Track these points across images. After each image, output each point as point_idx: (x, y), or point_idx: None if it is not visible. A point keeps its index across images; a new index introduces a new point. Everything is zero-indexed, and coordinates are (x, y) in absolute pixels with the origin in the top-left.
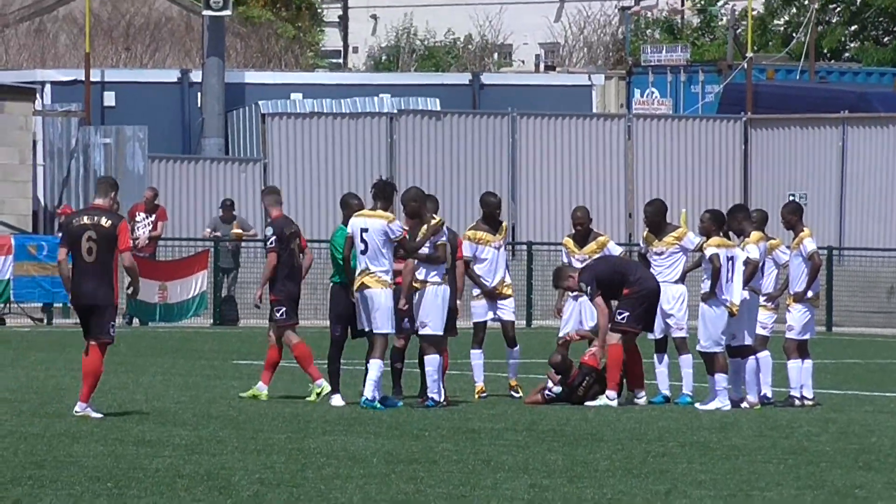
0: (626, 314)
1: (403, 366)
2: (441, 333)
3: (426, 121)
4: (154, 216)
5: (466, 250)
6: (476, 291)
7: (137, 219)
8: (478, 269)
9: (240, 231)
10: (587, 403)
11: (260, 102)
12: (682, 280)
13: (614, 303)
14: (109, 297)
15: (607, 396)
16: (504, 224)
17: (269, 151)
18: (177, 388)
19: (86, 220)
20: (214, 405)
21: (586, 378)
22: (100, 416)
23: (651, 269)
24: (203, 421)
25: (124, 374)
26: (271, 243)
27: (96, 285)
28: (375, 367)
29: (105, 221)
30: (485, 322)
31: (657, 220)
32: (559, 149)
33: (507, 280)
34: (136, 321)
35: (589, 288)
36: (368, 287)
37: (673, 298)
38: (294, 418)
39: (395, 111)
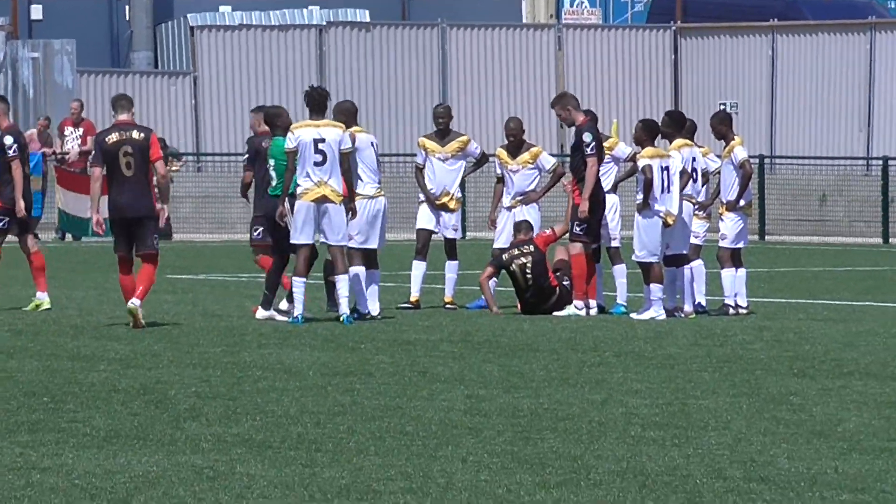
0: (585, 225)
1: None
2: (376, 247)
3: (355, 32)
4: (82, 129)
5: (418, 157)
6: (421, 198)
7: (66, 133)
8: (427, 178)
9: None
10: (555, 314)
11: (189, 15)
12: (614, 190)
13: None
14: (152, 209)
15: (575, 306)
16: (464, 137)
17: (199, 64)
18: (111, 303)
19: (118, 135)
20: (149, 319)
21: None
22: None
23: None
24: (138, 335)
25: (58, 290)
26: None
27: (139, 197)
28: (345, 282)
29: (137, 134)
30: (428, 231)
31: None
32: (489, 59)
33: (457, 194)
34: (68, 236)
35: (594, 144)
36: (331, 200)
37: (606, 209)
38: (230, 332)
39: (325, 23)
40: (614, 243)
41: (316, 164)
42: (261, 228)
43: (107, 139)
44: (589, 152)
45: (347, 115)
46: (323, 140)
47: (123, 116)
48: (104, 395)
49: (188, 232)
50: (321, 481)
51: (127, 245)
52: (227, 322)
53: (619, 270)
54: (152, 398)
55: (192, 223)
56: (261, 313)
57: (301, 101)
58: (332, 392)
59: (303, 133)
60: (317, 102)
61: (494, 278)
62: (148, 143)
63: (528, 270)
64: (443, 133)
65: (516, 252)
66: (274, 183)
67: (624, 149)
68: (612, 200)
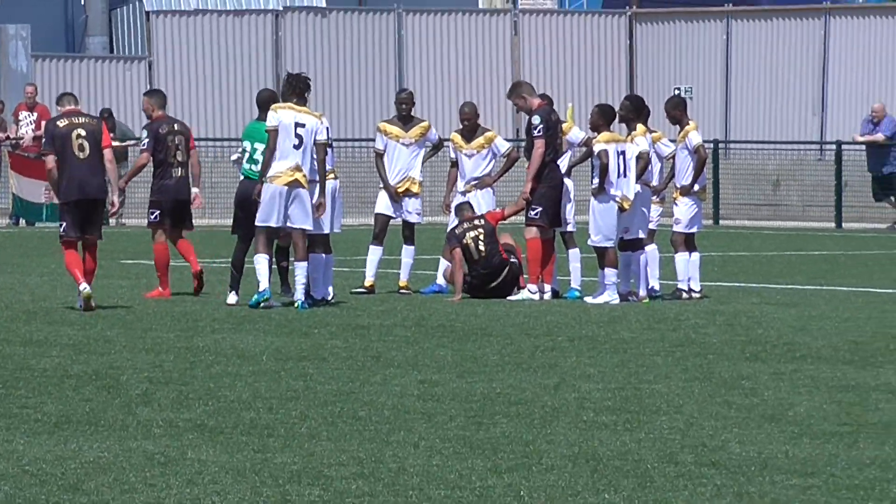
0: (540, 209)
1: (289, 264)
2: (327, 232)
3: (312, 17)
4: (36, 114)
5: (378, 142)
6: (382, 184)
7: (21, 118)
8: (387, 163)
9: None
10: (509, 298)
11: (144, 0)
12: (567, 174)
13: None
14: (106, 191)
15: (528, 290)
16: (425, 123)
17: (154, 49)
18: (64, 288)
19: (68, 121)
20: (102, 304)
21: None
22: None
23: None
24: (91, 320)
25: (10, 275)
26: (145, 144)
27: (95, 178)
28: (304, 268)
29: (88, 120)
30: (387, 216)
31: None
32: (446, 45)
33: (417, 178)
34: (22, 221)
35: (542, 126)
36: (302, 185)
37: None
38: (183, 317)
39: (281, 8)
40: (569, 227)
41: (294, 146)
42: (157, 212)
43: (58, 123)
44: (536, 134)
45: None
46: (303, 125)
47: (70, 106)
48: (56, 380)
49: (142, 217)
50: (273, 467)
51: (79, 229)
52: (180, 307)
53: (574, 255)
54: (104, 383)
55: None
56: (231, 298)
57: (259, 86)
58: (285, 377)
59: (284, 115)
60: (299, 89)
61: (448, 263)
62: (100, 128)
63: (480, 242)
64: (406, 118)
65: (468, 226)
66: (247, 166)
67: (578, 133)
68: (565, 185)
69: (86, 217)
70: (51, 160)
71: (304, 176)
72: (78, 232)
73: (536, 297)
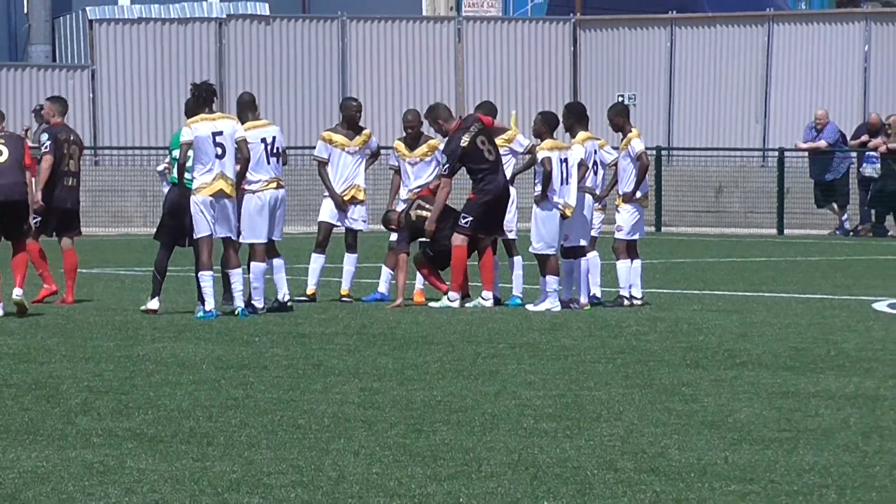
0: (470, 219)
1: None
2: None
3: (255, 25)
4: None
5: (321, 151)
6: (327, 192)
7: None
8: (331, 172)
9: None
10: (430, 304)
11: (87, 8)
12: (511, 182)
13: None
14: (27, 194)
15: (448, 298)
16: (367, 131)
17: (97, 58)
18: (5, 297)
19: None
20: (42, 314)
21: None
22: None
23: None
24: (31, 330)
25: None
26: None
27: (16, 182)
28: (239, 275)
29: (9, 135)
30: (330, 224)
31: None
32: (390, 52)
33: (362, 186)
34: None
35: (447, 165)
36: (227, 195)
37: (509, 202)
38: (124, 326)
39: (224, 16)
40: (511, 235)
41: (217, 156)
42: (39, 218)
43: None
44: (442, 172)
45: (246, 107)
46: (220, 133)
47: None
48: None
49: (84, 225)
50: (212, 475)
51: (7, 232)
52: (121, 316)
53: (516, 262)
54: (44, 393)
55: (88, 216)
56: (153, 304)
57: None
58: (225, 386)
59: (200, 127)
60: (206, 97)
61: (391, 272)
62: (21, 146)
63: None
64: (353, 127)
65: (416, 205)
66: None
67: (522, 140)
68: (510, 192)
69: (11, 220)
70: None
71: (230, 184)
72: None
73: (455, 304)
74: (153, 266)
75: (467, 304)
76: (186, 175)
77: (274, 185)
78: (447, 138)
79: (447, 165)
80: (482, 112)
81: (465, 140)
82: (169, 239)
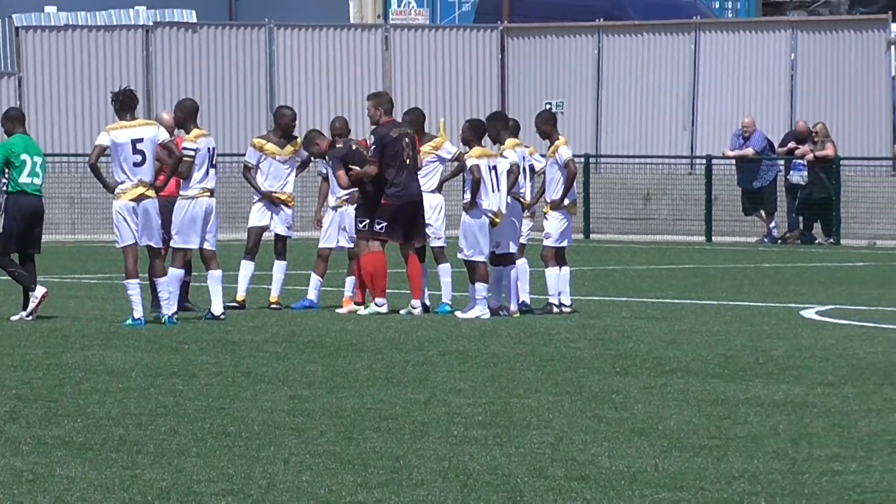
0: (384, 224)
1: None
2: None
3: (182, 33)
4: None
5: (251, 157)
6: (256, 198)
7: None
8: (259, 179)
9: None
10: (358, 311)
11: (14, 15)
12: (439, 189)
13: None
14: None
15: (376, 304)
16: (298, 139)
17: (24, 65)
18: None
19: None
20: None
21: None
22: None
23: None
24: None
25: None
26: None
27: None
28: (165, 283)
29: None
30: (261, 229)
31: (415, 129)
32: (317, 60)
33: (290, 192)
34: None
35: (332, 162)
36: (148, 198)
37: (430, 208)
38: (52, 333)
39: (151, 23)
40: (440, 242)
41: (136, 164)
42: None
43: None
44: (370, 157)
45: (187, 114)
46: (141, 140)
47: None
48: None
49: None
50: (142, 483)
51: None
52: (49, 324)
53: (444, 269)
54: None
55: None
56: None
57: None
58: (154, 393)
59: (118, 134)
60: (127, 103)
61: (319, 279)
62: None
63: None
64: (286, 136)
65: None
66: (29, 180)
67: (450, 148)
68: (437, 200)
69: None
70: None
71: (151, 188)
72: None
73: (384, 309)
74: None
75: (363, 312)
76: (28, 179)
77: (208, 194)
78: (382, 126)
79: (374, 148)
80: (409, 118)
81: (394, 132)
82: (5, 246)
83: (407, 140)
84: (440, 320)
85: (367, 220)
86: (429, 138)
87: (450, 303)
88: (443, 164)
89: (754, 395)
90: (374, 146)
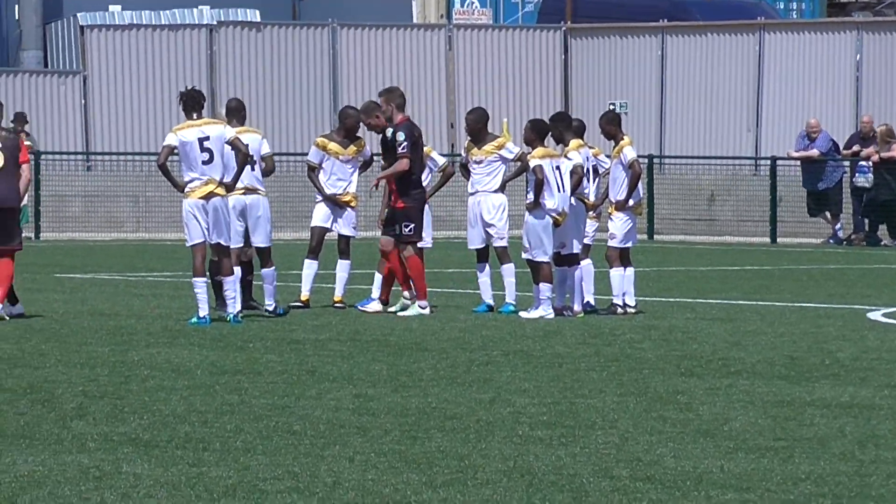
0: (413, 225)
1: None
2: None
3: (246, 32)
4: None
5: (314, 156)
6: (318, 197)
7: None
8: (322, 178)
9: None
10: (399, 314)
11: (79, 14)
12: (502, 189)
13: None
14: (17, 200)
15: (419, 306)
16: (361, 140)
17: (89, 64)
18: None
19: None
20: (37, 318)
21: None
22: (7, 318)
23: (472, 178)
24: (26, 335)
25: None
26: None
27: (7, 188)
28: (232, 282)
29: (7, 134)
30: (324, 229)
31: (478, 129)
32: (380, 60)
33: (353, 192)
34: None
35: (405, 142)
36: (220, 195)
37: (493, 208)
38: (118, 331)
39: (215, 23)
40: (502, 243)
41: (204, 162)
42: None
43: None
44: (401, 151)
45: (228, 112)
46: (207, 138)
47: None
48: None
49: (77, 230)
50: (207, 481)
51: None
52: (115, 321)
53: (507, 269)
54: (39, 397)
55: (80, 222)
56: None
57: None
58: (219, 391)
59: (185, 134)
60: (193, 103)
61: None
62: (17, 142)
63: None
64: (350, 136)
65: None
66: None
67: (512, 148)
68: (500, 199)
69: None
70: None
71: (221, 186)
72: None
73: (426, 311)
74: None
75: (405, 313)
76: None
77: (242, 191)
78: (394, 126)
79: (406, 143)
80: (472, 117)
81: (416, 131)
82: None
83: (421, 144)
84: (504, 320)
85: (413, 225)
86: (491, 138)
87: (514, 302)
88: (505, 163)
89: (820, 396)
90: (405, 141)
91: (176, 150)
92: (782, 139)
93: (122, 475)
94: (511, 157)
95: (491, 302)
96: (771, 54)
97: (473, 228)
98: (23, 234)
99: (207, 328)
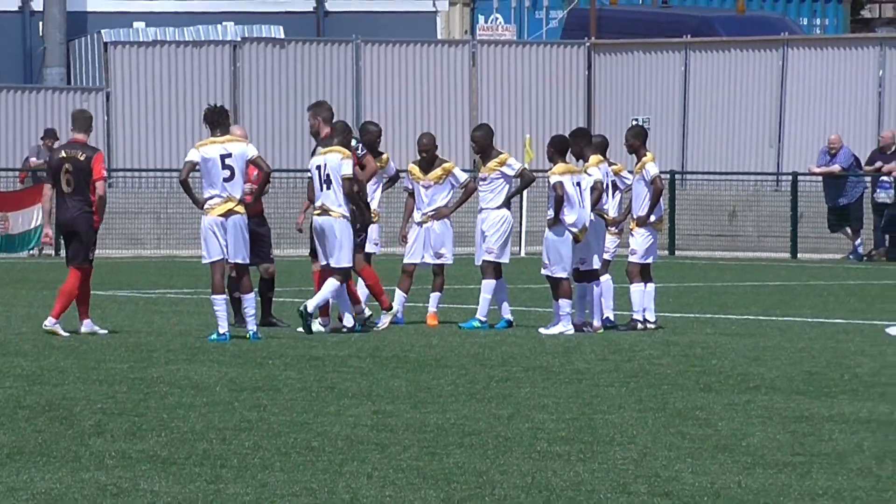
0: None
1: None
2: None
3: (270, 49)
4: None
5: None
6: None
7: None
8: None
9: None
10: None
11: (102, 31)
12: (507, 205)
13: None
14: (88, 224)
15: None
16: (385, 155)
17: (112, 80)
18: (18, 318)
19: (64, 154)
20: (56, 336)
21: None
22: (67, 335)
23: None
24: (45, 351)
25: None
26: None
27: (76, 213)
28: (251, 300)
29: (81, 155)
30: None
31: (487, 145)
32: (404, 76)
33: (375, 209)
34: None
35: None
36: (239, 213)
37: (492, 224)
38: (137, 348)
39: (239, 39)
40: (490, 257)
41: (225, 179)
42: None
43: (54, 156)
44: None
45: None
46: (230, 155)
47: (78, 136)
48: (9, 411)
49: (98, 247)
50: (225, 497)
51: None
52: (134, 338)
53: (487, 286)
54: (57, 414)
55: (101, 238)
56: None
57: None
58: (238, 408)
59: (208, 150)
60: (216, 119)
61: (404, 294)
62: (90, 164)
63: None
64: (372, 151)
65: None
66: None
67: (513, 164)
68: (500, 215)
69: (68, 246)
70: (47, 188)
71: (240, 204)
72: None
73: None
74: None
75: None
76: None
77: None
78: (321, 139)
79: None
80: (480, 133)
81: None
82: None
83: None
84: (524, 336)
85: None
86: (495, 154)
87: (482, 318)
88: (507, 181)
89: (839, 412)
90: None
91: (197, 167)
92: (804, 155)
93: (140, 492)
94: (513, 173)
95: (510, 317)
96: (794, 70)
97: (480, 245)
98: (90, 255)
99: (227, 345)
